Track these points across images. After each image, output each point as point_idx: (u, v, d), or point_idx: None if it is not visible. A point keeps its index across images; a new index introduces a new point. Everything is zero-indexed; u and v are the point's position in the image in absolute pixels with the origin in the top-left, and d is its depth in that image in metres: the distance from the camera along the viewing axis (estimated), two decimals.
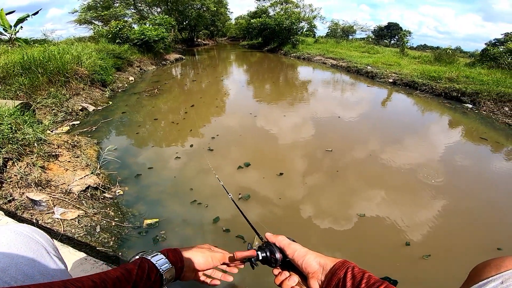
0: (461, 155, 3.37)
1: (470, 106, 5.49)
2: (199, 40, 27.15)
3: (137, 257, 0.58)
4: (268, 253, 0.62)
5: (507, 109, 4.96)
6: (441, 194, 2.45)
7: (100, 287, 0.44)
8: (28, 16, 8.10)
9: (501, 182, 2.79)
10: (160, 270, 0.54)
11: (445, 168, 2.97)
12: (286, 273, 0.61)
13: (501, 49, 8.74)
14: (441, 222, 2.09)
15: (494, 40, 13.21)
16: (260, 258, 0.62)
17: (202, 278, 0.67)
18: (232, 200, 0.82)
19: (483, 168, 3.07)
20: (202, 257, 0.63)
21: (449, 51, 9.97)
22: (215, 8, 21.41)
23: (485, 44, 12.82)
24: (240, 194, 2.33)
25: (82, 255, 1.18)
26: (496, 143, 3.73)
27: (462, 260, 1.76)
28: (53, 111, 3.90)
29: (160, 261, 0.56)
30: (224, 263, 0.70)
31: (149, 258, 0.56)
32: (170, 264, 0.56)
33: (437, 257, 1.76)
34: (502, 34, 12.57)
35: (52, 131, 3.25)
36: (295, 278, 0.59)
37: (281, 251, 0.62)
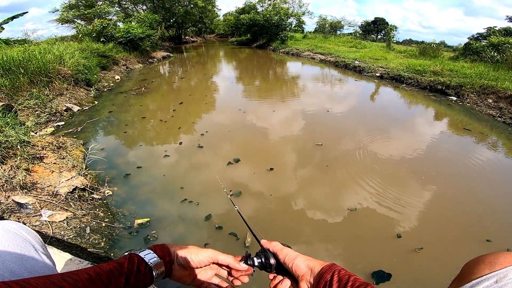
0: (447, 146, 3.47)
1: (455, 98, 5.65)
2: (187, 37, 26.82)
3: (126, 253, 0.58)
4: (263, 259, 0.65)
5: (490, 101, 5.12)
6: (429, 186, 2.52)
7: (95, 279, 0.45)
8: (12, 18, 7.79)
9: (487, 173, 2.86)
10: (149, 263, 0.55)
11: (431, 160, 3.06)
12: (279, 277, 0.64)
13: (483, 43, 8.99)
14: (430, 214, 2.14)
15: (476, 34, 13.63)
16: (256, 264, 0.65)
17: (194, 282, 0.65)
18: (238, 211, 0.82)
19: (468, 159, 3.16)
20: (187, 252, 0.62)
21: (433, 45, 10.19)
22: (203, 5, 21.13)
23: (468, 38, 13.21)
24: (231, 190, 2.33)
25: (67, 255, 1.16)
26: (480, 133, 3.86)
27: (453, 252, 1.79)
28: (36, 112, 3.78)
29: (148, 255, 0.57)
30: (228, 271, 0.68)
31: (137, 253, 0.57)
32: (158, 258, 0.57)
33: (429, 250, 1.78)
34: (484, 29, 12.99)
35: (36, 133, 3.15)
36: (287, 282, 0.62)
37: (275, 256, 0.64)
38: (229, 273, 0.68)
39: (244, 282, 0.67)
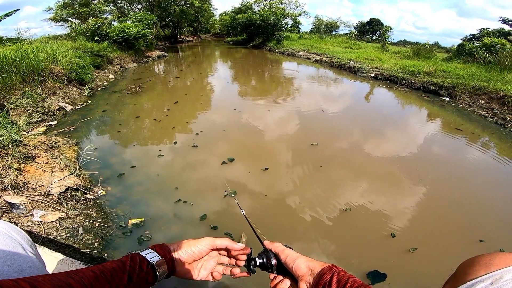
0: (439, 146, 3.51)
1: (447, 99, 5.72)
2: (183, 36, 26.72)
3: (128, 254, 0.60)
4: (264, 259, 0.66)
5: (482, 101, 5.19)
6: (422, 186, 2.54)
7: (99, 276, 0.47)
8: (5, 16, 7.68)
9: (479, 173, 2.90)
10: (151, 261, 0.57)
11: (424, 160, 3.09)
12: (280, 277, 0.65)
13: (476, 44, 9.11)
14: (424, 214, 2.16)
15: (469, 35, 13.84)
16: (258, 263, 0.66)
17: (201, 275, 0.66)
18: (244, 215, 0.83)
19: (460, 160, 3.21)
20: (186, 246, 0.64)
21: (427, 46, 10.30)
22: (199, 4, 21.03)
23: (461, 39, 13.40)
24: (225, 191, 2.33)
25: (59, 255, 1.15)
26: (472, 134, 3.91)
27: (447, 253, 1.81)
28: (28, 111, 3.73)
29: (149, 254, 0.58)
30: (226, 255, 0.70)
31: (139, 252, 0.59)
32: (159, 256, 0.59)
33: (424, 250, 1.79)
34: (477, 30, 13.20)
35: (27, 132, 3.11)
36: (287, 282, 0.63)
37: (277, 257, 0.66)
38: (228, 256, 0.71)
39: (242, 260, 0.69)
